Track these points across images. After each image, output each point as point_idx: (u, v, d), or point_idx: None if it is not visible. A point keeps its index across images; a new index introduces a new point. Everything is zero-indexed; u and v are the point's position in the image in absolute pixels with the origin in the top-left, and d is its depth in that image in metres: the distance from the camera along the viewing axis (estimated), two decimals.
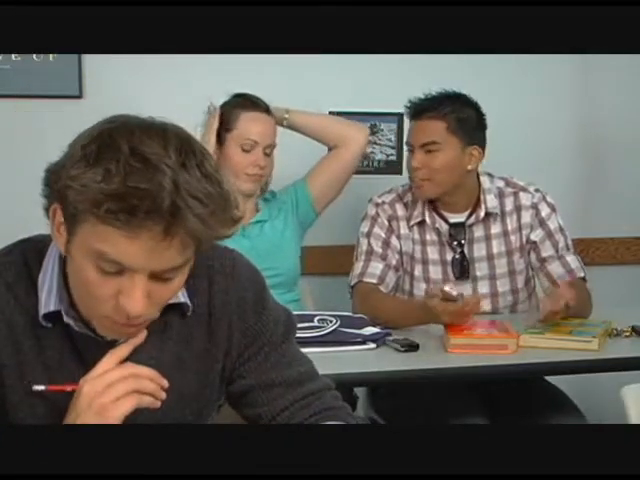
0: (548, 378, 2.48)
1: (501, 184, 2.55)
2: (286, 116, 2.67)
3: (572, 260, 2.52)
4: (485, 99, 3.10)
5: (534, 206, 2.53)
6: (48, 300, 1.28)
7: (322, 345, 2.09)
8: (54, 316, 1.29)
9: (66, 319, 1.28)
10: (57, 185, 1.17)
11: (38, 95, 2.86)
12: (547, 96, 3.29)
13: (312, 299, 2.86)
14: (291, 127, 2.70)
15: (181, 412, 1.38)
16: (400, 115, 3.05)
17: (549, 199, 2.55)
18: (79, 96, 2.89)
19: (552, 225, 2.53)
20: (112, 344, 1.28)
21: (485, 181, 2.53)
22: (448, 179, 2.46)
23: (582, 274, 2.52)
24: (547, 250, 2.52)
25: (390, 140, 3.15)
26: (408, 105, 2.50)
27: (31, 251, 1.32)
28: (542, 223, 2.53)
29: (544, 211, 2.53)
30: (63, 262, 1.28)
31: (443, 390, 2.29)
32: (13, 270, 1.30)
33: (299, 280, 2.72)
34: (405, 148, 2.58)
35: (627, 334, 2.31)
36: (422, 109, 2.45)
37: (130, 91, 2.88)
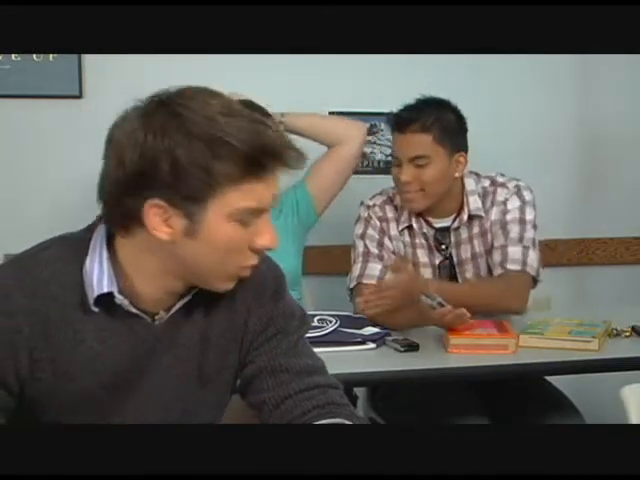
0: (548, 378, 2.48)
1: (486, 183, 2.53)
2: (282, 120, 2.67)
3: (514, 251, 2.44)
4: (485, 99, 3.11)
5: (505, 201, 2.49)
6: (100, 283, 1.32)
7: (322, 345, 2.08)
8: (100, 302, 1.33)
9: (119, 300, 1.33)
10: (189, 176, 1.24)
11: (38, 95, 2.86)
12: (547, 96, 3.29)
13: (312, 299, 2.86)
14: (288, 131, 2.69)
15: (201, 394, 1.44)
16: None
17: (525, 193, 2.50)
18: (79, 96, 2.89)
19: (510, 216, 2.47)
20: (156, 327, 1.37)
21: (470, 183, 2.52)
22: (439, 190, 2.45)
23: (517, 267, 2.43)
24: (498, 239, 2.48)
25: (390, 140, 3.14)
26: (391, 117, 2.48)
27: (67, 248, 1.36)
28: (504, 214, 2.49)
29: (511, 204, 2.48)
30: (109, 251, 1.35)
31: (443, 390, 2.29)
32: (49, 267, 1.34)
33: (300, 280, 2.72)
34: (394, 160, 2.52)
35: (627, 334, 2.31)
36: (406, 122, 2.42)
37: (130, 91, 2.87)
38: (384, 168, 3.16)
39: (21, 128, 2.88)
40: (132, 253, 1.34)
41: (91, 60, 2.87)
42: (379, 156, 3.17)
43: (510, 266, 2.43)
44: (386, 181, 2.80)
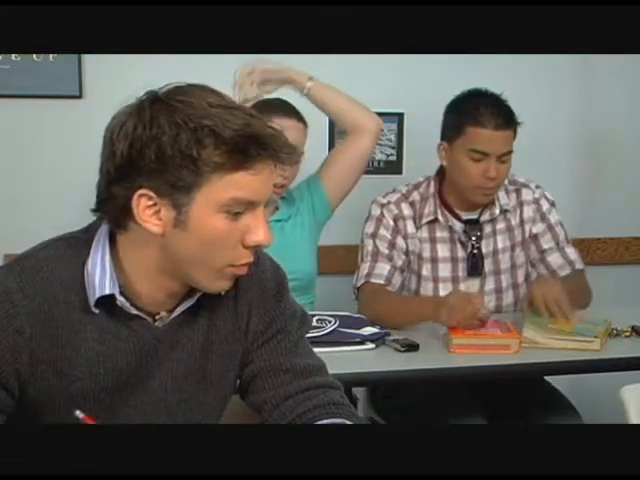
0: (548, 378, 2.48)
1: (505, 181, 2.56)
2: (309, 84, 2.55)
3: (571, 252, 2.59)
4: None
5: (536, 201, 2.57)
6: (102, 285, 1.32)
7: (321, 345, 2.08)
8: (101, 303, 1.33)
9: (120, 301, 1.33)
10: (174, 165, 1.24)
11: (38, 95, 2.86)
12: (547, 96, 3.29)
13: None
14: (309, 97, 2.58)
15: (204, 396, 1.44)
16: (400, 115, 3.05)
17: (548, 195, 2.61)
18: (79, 96, 2.88)
19: (552, 219, 2.58)
20: (158, 329, 1.37)
21: None
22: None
23: (581, 266, 2.58)
24: (547, 242, 2.57)
25: (390, 140, 3.15)
26: (478, 110, 2.39)
27: (67, 247, 1.36)
28: (543, 217, 2.57)
29: (545, 206, 2.58)
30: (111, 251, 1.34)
31: (443, 390, 2.29)
32: (49, 267, 1.33)
33: (315, 281, 2.66)
34: (468, 154, 2.41)
35: (627, 334, 2.31)
36: (503, 119, 2.39)
37: (130, 91, 2.87)
38: (384, 168, 3.16)
39: (21, 128, 2.88)
40: (129, 250, 1.34)
41: (91, 60, 2.87)
42: (379, 156, 3.16)
43: (579, 266, 2.58)
44: (386, 181, 2.80)
